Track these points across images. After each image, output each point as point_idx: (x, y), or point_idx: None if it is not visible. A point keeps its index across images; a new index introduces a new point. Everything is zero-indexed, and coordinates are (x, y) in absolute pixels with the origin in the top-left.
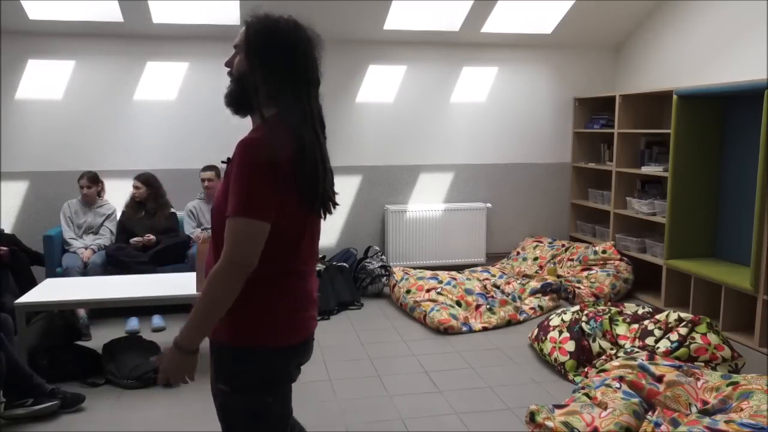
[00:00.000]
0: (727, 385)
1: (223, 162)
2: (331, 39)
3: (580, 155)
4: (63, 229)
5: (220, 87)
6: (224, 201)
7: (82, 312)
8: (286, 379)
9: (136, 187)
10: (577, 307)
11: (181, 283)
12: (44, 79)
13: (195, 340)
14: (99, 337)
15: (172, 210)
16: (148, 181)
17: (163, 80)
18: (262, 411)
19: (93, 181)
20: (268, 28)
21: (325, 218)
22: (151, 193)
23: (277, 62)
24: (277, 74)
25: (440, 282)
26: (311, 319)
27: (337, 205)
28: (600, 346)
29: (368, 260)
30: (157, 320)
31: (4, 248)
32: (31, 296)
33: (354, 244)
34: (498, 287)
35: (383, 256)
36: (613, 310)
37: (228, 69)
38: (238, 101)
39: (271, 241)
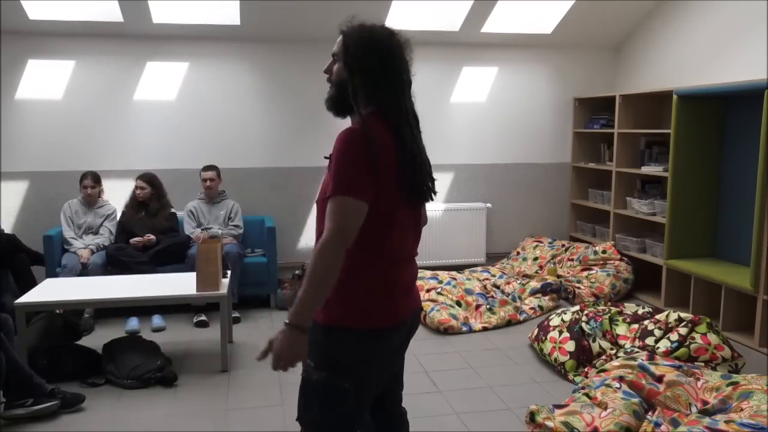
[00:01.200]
0: (727, 385)
1: (325, 158)
2: (331, 39)
3: (580, 155)
4: (63, 229)
5: (220, 87)
6: (324, 192)
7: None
8: (369, 364)
9: (141, 188)
10: (577, 307)
11: (181, 283)
12: (44, 79)
13: (307, 316)
14: (99, 337)
15: (173, 210)
16: (151, 181)
17: (163, 80)
18: (336, 393)
19: (97, 181)
20: (365, 37)
21: (422, 205)
22: (154, 193)
23: (376, 68)
24: (376, 79)
25: (440, 282)
26: (402, 306)
27: (436, 192)
28: (600, 346)
29: None
30: (157, 320)
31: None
32: (31, 296)
33: None
34: (498, 287)
35: None
36: (613, 310)
37: (327, 75)
38: (339, 105)
39: (367, 228)
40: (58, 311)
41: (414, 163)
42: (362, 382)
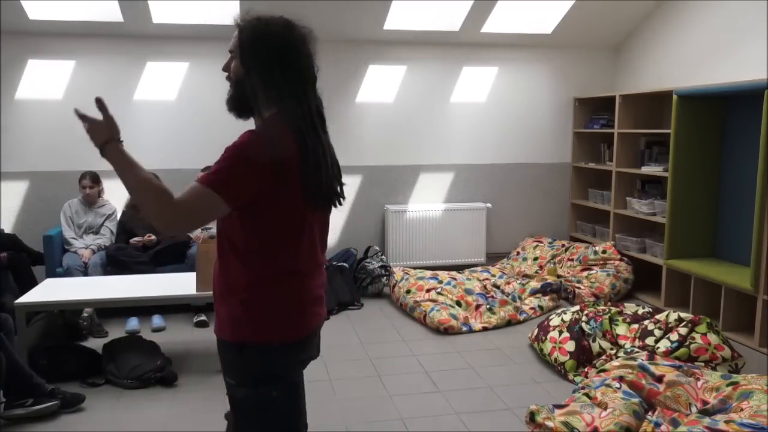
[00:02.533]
0: (727, 385)
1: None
2: (331, 39)
3: (580, 155)
4: (63, 229)
5: (220, 87)
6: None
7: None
8: (288, 374)
9: None
10: (577, 307)
11: (181, 283)
12: (44, 79)
13: (118, 160)
14: (99, 337)
15: None
16: None
17: (163, 80)
18: (267, 404)
19: (95, 181)
20: (260, 31)
21: (330, 211)
22: None
23: (273, 64)
24: (274, 76)
25: (440, 282)
26: (313, 315)
27: (344, 198)
28: (600, 346)
29: (368, 260)
30: (157, 320)
31: (3, 254)
32: (31, 296)
33: (354, 244)
34: (498, 287)
35: (383, 256)
36: (613, 310)
37: (226, 74)
38: (239, 105)
39: (271, 240)
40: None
41: (319, 168)
42: (287, 389)
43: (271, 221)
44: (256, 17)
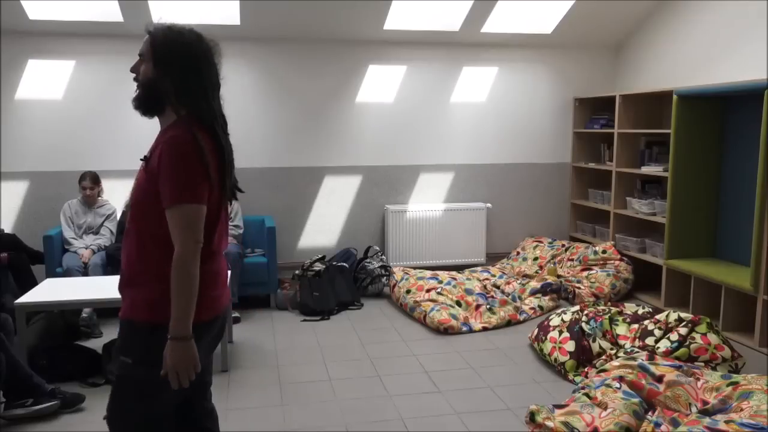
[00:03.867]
0: (727, 385)
1: (141, 159)
2: (331, 39)
3: (580, 155)
4: (63, 229)
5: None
6: (144, 195)
7: (87, 311)
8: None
9: None
10: (577, 307)
11: None
12: (44, 79)
13: (187, 324)
14: (95, 338)
15: None
16: None
17: None
18: (156, 386)
19: (95, 182)
20: (175, 39)
21: (230, 202)
22: None
23: (187, 71)
24: (186, 80)
25: (440, 282)
26: (221, 297)
27: (241, 191)
28: (600, 346)
29: (368, 260)
30: None
31: (4, 254)
32: (31, 296)
33: (354, 244)
34: (498, 287)
35: (383, 256)
36: (613, 310)
37: (134, 75)
38: (146, 105)
39: None
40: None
41: (230, 163)
42: None
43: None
44: (169, 26)
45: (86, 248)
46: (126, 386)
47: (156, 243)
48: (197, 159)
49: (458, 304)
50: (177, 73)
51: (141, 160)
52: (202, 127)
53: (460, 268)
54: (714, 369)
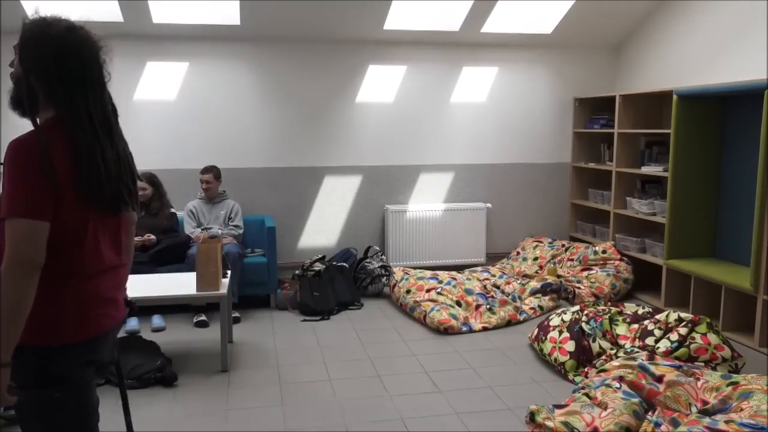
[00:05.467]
0: (727, 385)
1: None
2: (331, 39)
3: (580, 155)
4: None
5: (220, 87)
6: None
7: None
8: (72, 375)
9: (141, 188)
10: (577, 307)
11: (181, 283)
12: None
13: (6, 351)
14: None
15: (173, 210)
16: (152, 181)
17: (163, 80)
18: (51, 406)
19: None
20: (38, 31)
21: (116, 214)
22: (154, 193)
23: (47, 65)
24: (49, 77)
25: (440, 282)
26: (101, 317)
27: (135, 201)
28: (600, 346)
29: (368, 260)
30: (157, 320)
31: None
32: None
33: (354, 244)
34: (498, 287)
35: (383, 256)
36: (613, 310)
37: (11, 71)
38: (15, 102)
39: (54, 244)
40: None
41: (96, 172)
42: (72, 389)
43: (55, 223)
44: (42, 17)
45: None
46: (25, 413)
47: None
48: (35, 168)
49: (458, 304)
50: (39, 69)
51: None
52: (65, 129)
53: (460, 268)
54: (714, 369)
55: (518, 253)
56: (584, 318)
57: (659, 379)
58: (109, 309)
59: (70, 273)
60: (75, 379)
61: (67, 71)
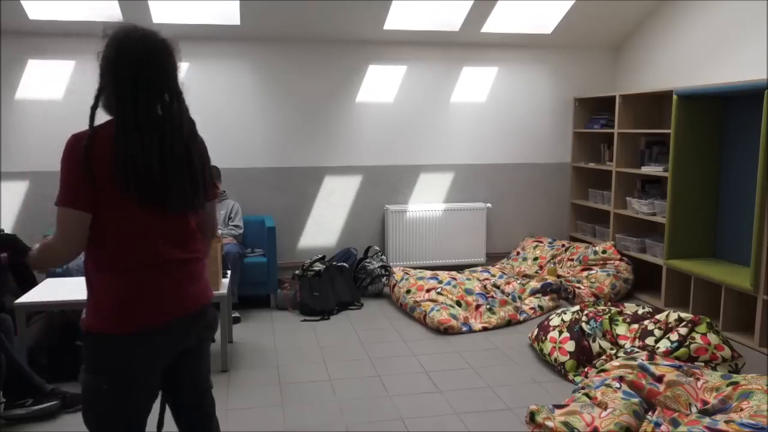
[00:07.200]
0: (727, 385)
1: None
2: (331, 39)
3: (580, 155)
4: None
5: (220, 87)
6: None
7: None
8: (122, 368)
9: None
10: (577, 307)
11: None
12: (44, 79)
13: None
14: None
15: None
16: None
17: None
18: (95, 394)
19: None
20: (112, 36)
21: (172, 213)
22: None
23: (104, 66)
24: (102, 77)
25: (440, 282)
26: (153, 311)
27: (194, 200)
28: (600, 346)
29: (368, 260)
30: None
31: (4, 254)
32: (31, 296)
33: (354, 244)
34: (498, 287)
35: (383, 256)
36: (613, 310)
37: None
38: (96, 101)
39: (102, 233)
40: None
41: (134, 169)
42: (119, 383)
43: (99, 216)
44: (121, 25)
45: None
46: (82, 392)
47: (88, 249)
48: (76, 162)
49: (458, 304)
50: (101, 71)
51: None
52: (106, 131)
53: (460, 268)
54: (714, 369)
55: (518, 253)
56: (584, 318)
57: (659, 379)
58: (166, 303)
59: (113, 265)
60: (129, 372)
61: (115, 73)
